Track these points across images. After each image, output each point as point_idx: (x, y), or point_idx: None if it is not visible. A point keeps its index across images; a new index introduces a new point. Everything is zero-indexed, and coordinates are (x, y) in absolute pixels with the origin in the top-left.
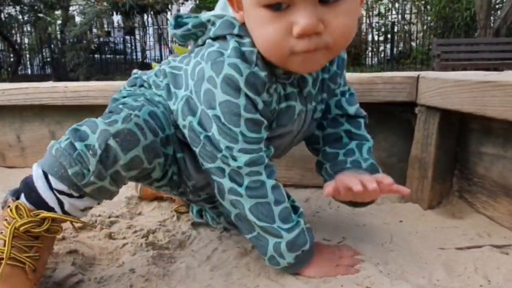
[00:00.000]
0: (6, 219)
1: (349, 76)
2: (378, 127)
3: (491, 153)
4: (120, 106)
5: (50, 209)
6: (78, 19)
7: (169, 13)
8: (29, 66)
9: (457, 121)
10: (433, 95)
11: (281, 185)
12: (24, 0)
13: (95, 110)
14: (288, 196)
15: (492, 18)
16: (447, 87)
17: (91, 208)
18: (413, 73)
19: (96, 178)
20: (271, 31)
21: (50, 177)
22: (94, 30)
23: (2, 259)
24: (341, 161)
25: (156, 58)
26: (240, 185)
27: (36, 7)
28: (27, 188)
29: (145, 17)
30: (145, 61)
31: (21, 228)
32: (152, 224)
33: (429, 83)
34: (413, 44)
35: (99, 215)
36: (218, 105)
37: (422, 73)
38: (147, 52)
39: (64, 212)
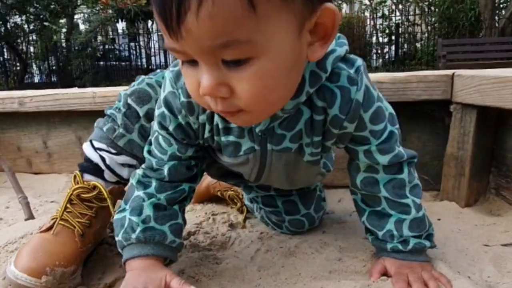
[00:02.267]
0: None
1: (382, 75)
2: (411, 126)
3: None
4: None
5: (97, 168)
6: (83, 27)
7: None
8: (35, 75)
9: (494, 118)
10: (470, 93)
11: None
12: (29, 9)
13: None
14: None
15: (497, 17)
16: (486, 84)
17: (130, 166)
18: (448, 71)
19: (124, 130)
20: (188, 85)
21: (93, 141)
22: (99, 38)
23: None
24: (382, 243)
25: (161, 64)
26: None
27: (41, 16)
28: (84, 160)
29: (150, 23)
30: (150, 67)
31: (75, 192)
32: (190, 226)
33: (466, 81)
34: (418, 45)
35: None
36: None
37: (457, 71)
38: (152, 58)
39: (107, 166)
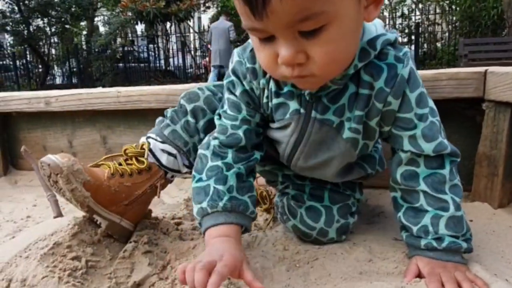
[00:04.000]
0: None
1: None
2: None
3: None
4: None
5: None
6: (102, 29)
7: (191, 20)
8: (56, 77)
9: None
10: (504, 90)
11: None
12: (51, 12)
13: (148, 114)
14: None
15: None
16: None
17: (170, 154)
18: (480, 69)
19: (170, 121)
20: (263, 57)
21: (148, 133)
22: (119, 40)
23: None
24: (416, 239)
25: (179, 65)
26: None
27: (63, 19)
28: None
29: (168, 25)
30: (168, 68)
31: (127, 151)
32: None
33: (499, 78)
34: (438, 44)
35: (163, 217)
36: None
37: (490, 68)
38: (170, 60)
39: (149, 149)
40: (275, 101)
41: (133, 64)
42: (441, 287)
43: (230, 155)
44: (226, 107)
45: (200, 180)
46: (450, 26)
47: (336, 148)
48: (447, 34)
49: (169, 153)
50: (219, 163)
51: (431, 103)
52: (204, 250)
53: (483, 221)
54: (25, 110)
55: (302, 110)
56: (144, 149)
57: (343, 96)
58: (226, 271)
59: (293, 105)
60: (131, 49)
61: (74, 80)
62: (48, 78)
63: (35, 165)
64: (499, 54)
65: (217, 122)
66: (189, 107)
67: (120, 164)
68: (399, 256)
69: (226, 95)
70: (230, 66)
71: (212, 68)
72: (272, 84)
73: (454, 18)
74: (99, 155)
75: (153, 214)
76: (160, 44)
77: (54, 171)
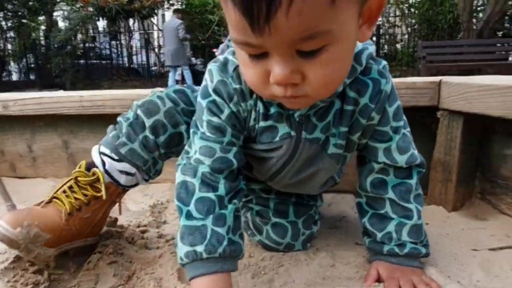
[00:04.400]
0: None
1: None
2: None
3: None
4: None
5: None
6: (62, 24)
7: (155, 17)
8: (13, 73)
9: (480, 124)
10: (456, 100)
11: None
12: (7, 6)
13: (112, 119)
14: None
15: (474, 20)
16: (472, 92)
17: (128, 174)
18: (435, 78)
19: (127, 139)
20: (251, 75)
21: (101, 145)
22: (79, 36)
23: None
24: (379, 245)
25: (143, 63)
26: None
27: (19, 13)
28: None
29: (131, 22)
30: (131, 66)
31: (74, 175)
32: None
33: (453, 88)
34: (398, 46)
35: (128, 225)
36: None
37: (444, 78)
38: (134, 57)
39: (105, 170)
40: (262, 124)
41: (94, 61)
42: None
43: (222, 186)
44: (205, 129)
45: (190, 216)
46: (409, 29)
47: (320, 163)
48: (406, 36)
49: (127, 173)
50: (211, 195)
51: (404, 116)
52: (169, 261)
53: (438, 224)
54: None
55: (292, 133)
56: (96, 175)
57: (329, 114)
58: None
59: (282, 128)
60: (93, 45)
61: (32, 77)
62: (4, 74)
63: None
64: (455, 56)
65: (197, 142)
66: (147, 122)
67: (73, 191)
68: (360, 261)
69: (206, 116)
70: (209, 84)
71: (170, 69)
72: (260, 105)
73: (413, 21)
74: (61, 160)
75: (118, 222)
76: (123, 41)
77: (10, 246)
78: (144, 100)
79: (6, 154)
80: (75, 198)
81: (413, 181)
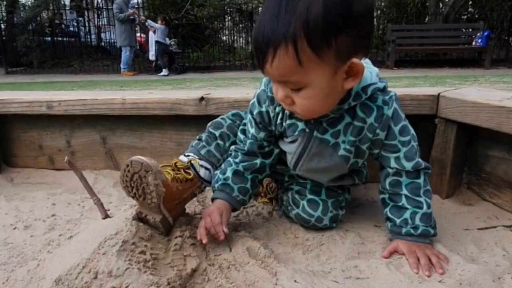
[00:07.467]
0: None
1: None
2: None
3: (497, 156)
4: None
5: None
6: (24, 0)
7: None
8: None
9: (469, 130)
10: (452, 111)
11: None
12: None
13: (149, 119)
14: None
15: (441, 4)
16: (466, 107)
17: (206, 169)
18: (434, 91)
19: (206, 143)
20: (275, 91)
21: (186, 153)
22: (44, 12)
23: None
24: (398, 228)
25: (113, 41)
26: None
27: None
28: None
29: None
30: (101, 43)
31: (177, 164)
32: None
33: (449, 102)
34: None
35: (194, 214)
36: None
37: (442, 93)
38: (102, 35)
39: (191, 163)
40: (288, 121)
41: (61, 39)
42: (417, 260)
43: (239, 157)
44: (247, 122)
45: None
46: (378, 11)
47: (331, 161)
48: (375, 19)
49: (206, 168)
50: (231, 159)
51: (412, 131)
52: (237, 241)
53: (435, 209)
54: (25, 113)
55: (307, 130)
56: (192, 163)
57: (339, 124)
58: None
59: (301, 125)
60: (60, 22)
61: None
62: None
63: (78, 173)
64: (422, 40)
65: (239, 134)
66: (217, 133)
67: (173, 170)
68: (383, 240)
69: (248, 115)
70: (257, 91)
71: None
72: (287, 110)
73: (383, 4)
74: (98, 154)
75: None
76: (92, 20)
77: (146, 168)
78: (213, 121)
79: (45, 149)
80: (176, 173)
81: (421, 180)
